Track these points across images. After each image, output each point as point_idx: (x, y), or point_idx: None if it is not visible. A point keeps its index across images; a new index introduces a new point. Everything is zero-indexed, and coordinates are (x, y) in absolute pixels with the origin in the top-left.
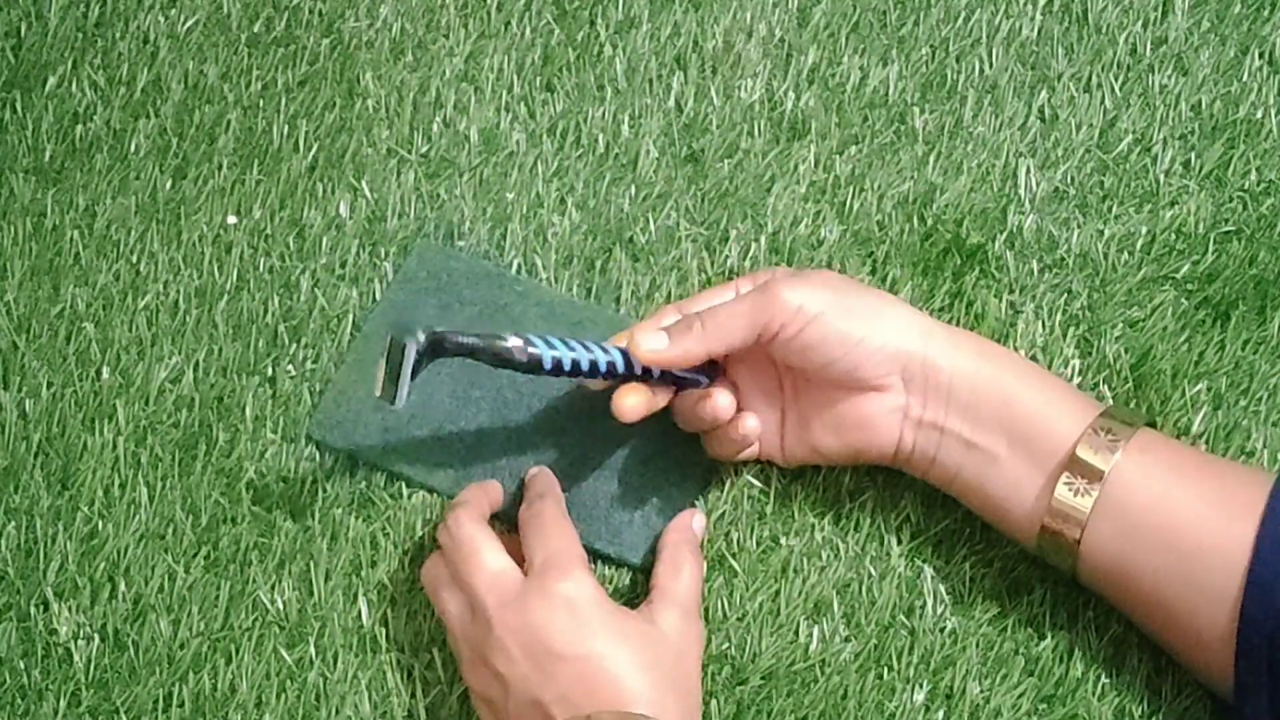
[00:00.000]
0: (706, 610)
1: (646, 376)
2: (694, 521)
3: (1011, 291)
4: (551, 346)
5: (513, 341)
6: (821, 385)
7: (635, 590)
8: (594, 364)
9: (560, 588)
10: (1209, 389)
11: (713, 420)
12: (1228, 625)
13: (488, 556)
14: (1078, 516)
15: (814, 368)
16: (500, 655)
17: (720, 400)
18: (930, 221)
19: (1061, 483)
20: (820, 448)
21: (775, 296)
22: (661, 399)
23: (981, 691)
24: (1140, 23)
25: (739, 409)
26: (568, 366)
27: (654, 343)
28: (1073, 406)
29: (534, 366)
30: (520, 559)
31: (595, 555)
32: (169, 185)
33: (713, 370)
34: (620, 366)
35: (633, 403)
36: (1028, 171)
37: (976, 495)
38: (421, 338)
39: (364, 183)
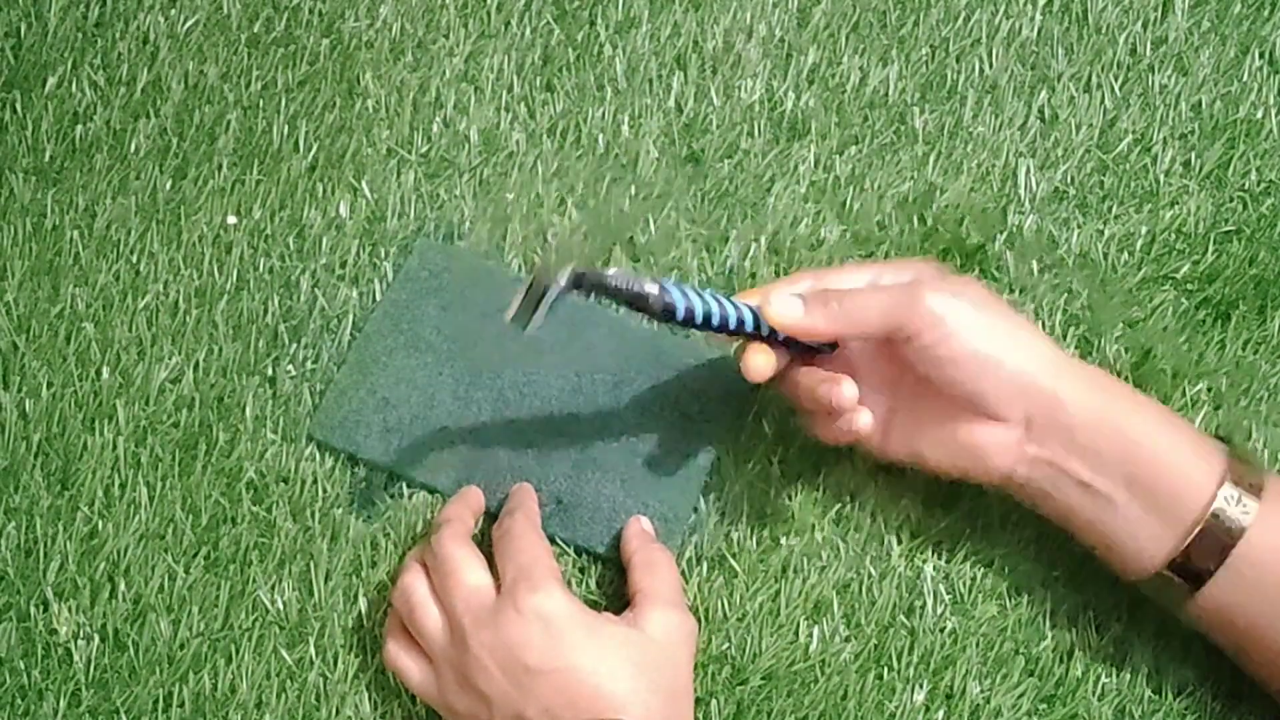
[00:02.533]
0: (706, 610)
1: (770, 337)
2: (643, 524)
3: (1011, 291)
4: (685, 296)
5: (649, 287)
6: (942, 397)
7: None
8: (724, 319)
9: (530, 602)
10: (1209, 389)
11: (832, 407)
12: None
13: (466, 574)
14: (1204, 570)
15: (939, 382)
16: (480, 674)
17: (846, 389)
18: (930, 221)
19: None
20: (925, 458)
21: (918, 300)
22: (782, 361)
23: (981, 691)
24: (1140, 23)
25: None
26: (699, 319)
27: (787, 308)
28: (1198, 454)
29: (667, 314)
30: None
31: (596, 558)
32: (169, 185)
33: (832, 342)
34: (749, 325)
35: (761, 363)
36: (1028, 171)
37: (1088, 533)
38: (563, 279)
39: (364, 183)
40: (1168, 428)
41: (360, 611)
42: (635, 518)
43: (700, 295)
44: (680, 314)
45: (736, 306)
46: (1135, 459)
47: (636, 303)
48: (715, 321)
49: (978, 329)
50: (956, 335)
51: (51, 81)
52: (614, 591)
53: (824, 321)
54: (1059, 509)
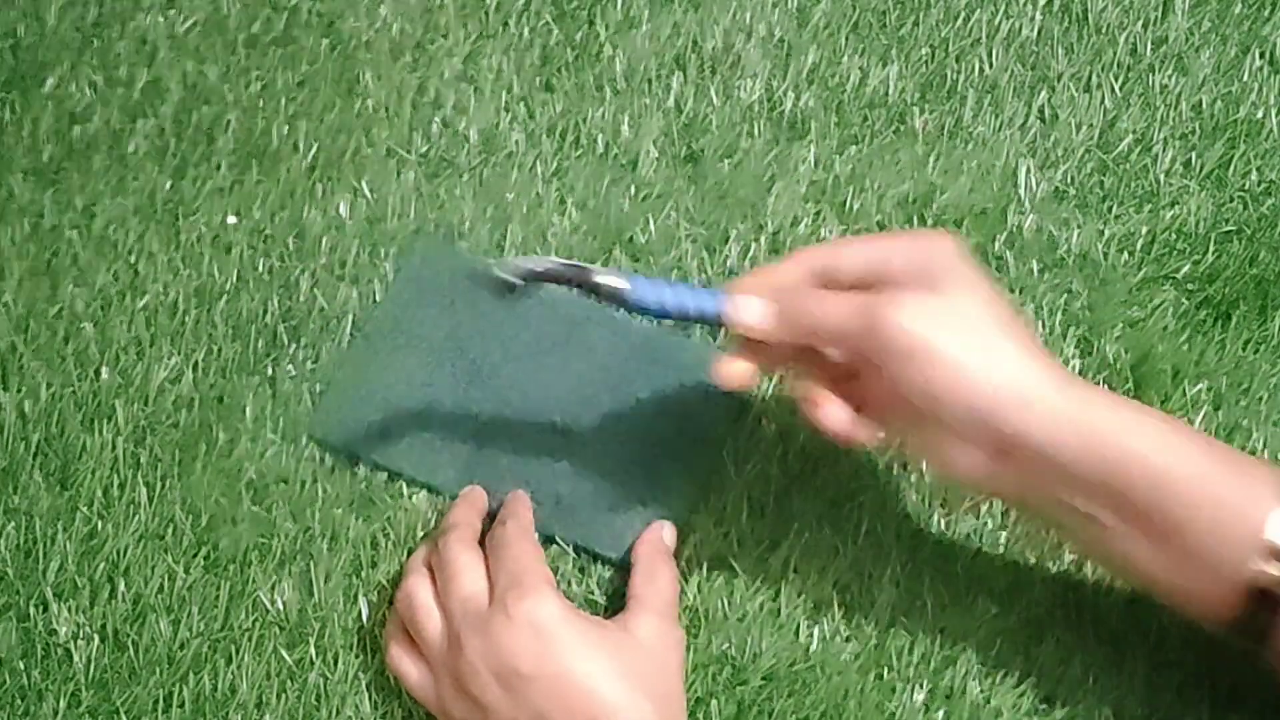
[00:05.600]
0: (706, 610)
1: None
2: (664, 533)
3: (1011, 291)
4: (640, 289)
5: (603, 278)
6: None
7: None
8: (683, 311)
9: (522, 609)
10: (1209, 389)
11: (817, 427)
12: None
13: (468, 579)
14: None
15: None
16: (474, 680)
17: (831, 413)
18: (930, 221)
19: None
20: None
21: (882, 326)
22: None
23: (981, 691)
24: (1140, 23)
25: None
26: (654, 308)
27: (748, 315)
28: (1238, 479)
29: (620, 302)
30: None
31: (595, 558)
32: (168, 186)
33: None
34: (711, 317)
35: (735, 371)
36: (1028, 171)
37: (1095, 555)
38: (514, 275)
39: (364, 183)
40: (1181, 442)
41: (360, 611)
42: (660, 523)
43: (662, 289)
44: (633, 304)
45: (697, 299)
46: (1129, 491)
47: (588, 289)
48: (672, 312)
49: (942, 355)
50: (916, 361)
51: (50, 82)
52: (614, 592)
53: (783, 329)
54: (1058, 527)
